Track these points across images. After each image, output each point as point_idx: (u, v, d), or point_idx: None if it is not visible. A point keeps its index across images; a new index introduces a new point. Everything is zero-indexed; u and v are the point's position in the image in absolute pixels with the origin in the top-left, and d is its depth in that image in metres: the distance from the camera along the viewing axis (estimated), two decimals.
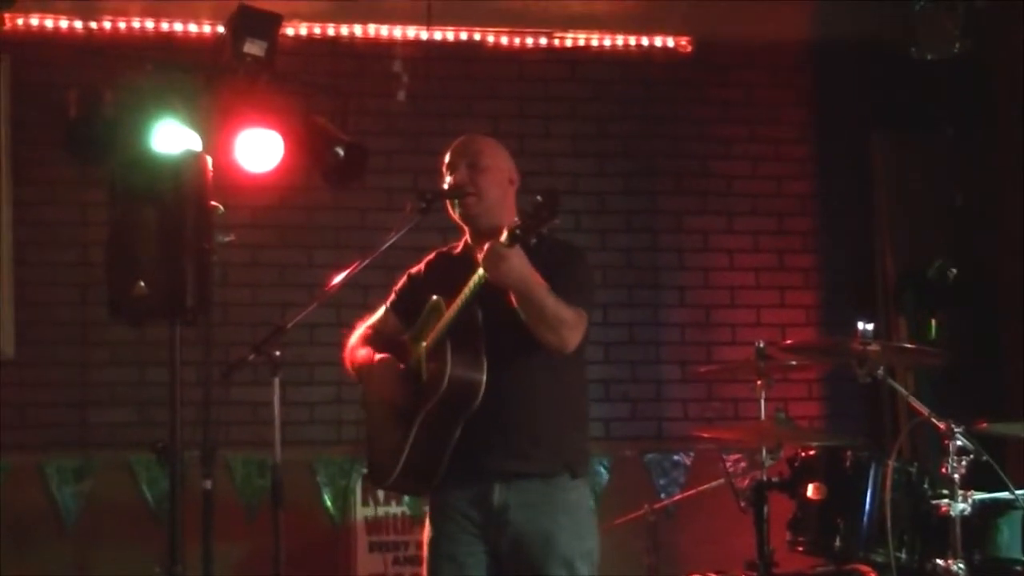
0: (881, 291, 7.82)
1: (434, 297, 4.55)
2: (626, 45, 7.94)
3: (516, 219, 4.21)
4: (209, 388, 6.38)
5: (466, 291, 4.38)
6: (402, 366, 4.63)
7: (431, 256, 4.85)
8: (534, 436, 4.48)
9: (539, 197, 4.14)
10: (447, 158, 4.70)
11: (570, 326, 4.36)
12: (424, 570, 4.65)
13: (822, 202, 8.06)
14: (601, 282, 7.62)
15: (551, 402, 4.52)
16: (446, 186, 4.65)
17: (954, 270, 7.50)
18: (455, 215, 4.65)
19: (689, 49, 7.93)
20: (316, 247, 7.45)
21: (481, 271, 4.29)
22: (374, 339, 4.78)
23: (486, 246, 4.27)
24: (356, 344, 4.81)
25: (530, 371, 4.47)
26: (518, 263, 4.23)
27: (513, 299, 4.30)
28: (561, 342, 4.37)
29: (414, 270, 4.85)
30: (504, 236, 4.20)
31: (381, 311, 4.87)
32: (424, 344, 4.55)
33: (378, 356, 4.66)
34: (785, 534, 5.68)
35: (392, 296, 4.86)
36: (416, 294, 4.72)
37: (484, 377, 4.37)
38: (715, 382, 7.71)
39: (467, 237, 4.70)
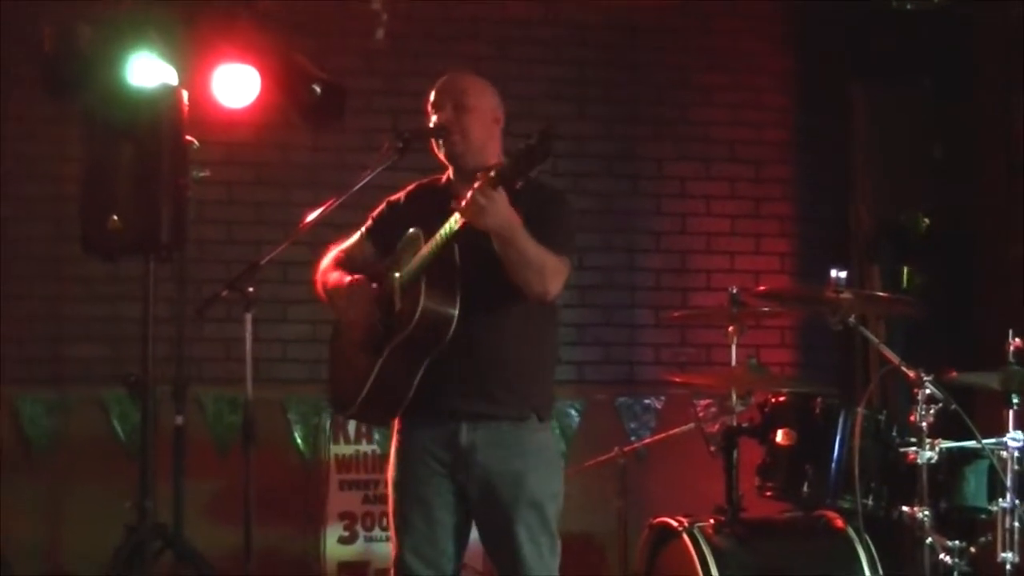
0: (856, 240, 7.83)
1: (412, 230, 4.51)
2: None
3: (503, 160, 4.17)
4: (182, 324, 6.41)
5: (443, 231, 4.33)
6: (375, 286, 4.59)
7: (412, 187, 4.79)
8: (505, 379, 4.47)
9: (531, 139, 4.07)
10: (432, 96, 4.66)
11: (553, 272, 4.34)
12: (390, 510, 4.66)
13: (800, 150, 8.06)
14: (578, 226, 7.62)
15: (523, 346, 4.50)
16: (432, 125, 4.61)
17: (927, 220, 7.53)
18: (440, 154, 4.62)
19: None
20: (292, 185, 7.42)
21: (457, 216, 4.23)
22: (346, 263, 4.73)
23: (469, 193, 4.19)
24: (328, 267, 4.77)
25: (505, 315, 4.44)
26: (502, 208, 4.16)
27: (495, 243, 4.26)
28: (543, 288, 4.35)
29: (394, 198, 4.78)
30: (490, 177, 4.14)
31: (356, 236, 4.80)
32: (398, 275, 4.50)
33: (349, 277, 4.61)
34: (754, 479, 5.72)
35: (369, 222, 4.80)
36: (394, 223, 4.66)
37: (456, 313, 4.33)
38: (688, 327, 7.72)
39: (450, 173, 4.68)
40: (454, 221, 4.28)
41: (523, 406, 4.49)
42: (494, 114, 4.66)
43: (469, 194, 4.19)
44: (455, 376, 4.43)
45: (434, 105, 4.65)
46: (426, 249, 4.41)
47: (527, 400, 4.50)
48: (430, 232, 4.41)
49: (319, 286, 4.80)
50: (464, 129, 4.56)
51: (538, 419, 4.52)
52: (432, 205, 4.53)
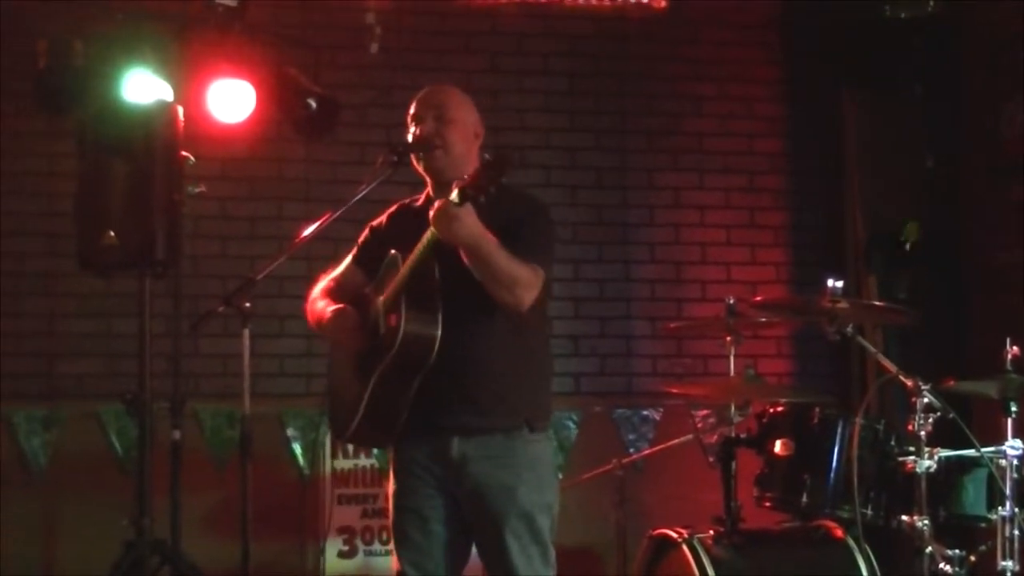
0: (851, 249, 7.83)
1: (392, 252, 4.52)
2: (600, 1, 7.91)
3: (466, 177, 4.16)
4: (178, 340, 6.40)
5: (418, 249, 4.35)
6: (360, 312, 4.61)
7: (392, 208, 4.80)
8: (493, 391, 4.47)
9: (487, 156, 4.13)
10: (412, 108, 4.66)
11: (524, 284, 4.33)
12: (390, 524, 4.66)
13: (793, 160, 8.06)
14: (571, 238, 7.62)
15: (512, 357, 4.50)
16: (411, 137, 4.62)
17: (923, 229, 7.54)
18: (419, 167, 4.62)
19: (663, 5, 7.91)
20: (287, 199, 7.43)
21: (432, 229, 4.25)
22: (336, 292, 4.74)
23: (435, 205, 4.22)
24: (317, 296, 4.79)
25: (490, 326, 4.44)
26: (469, 222, 4.18)
27: (465, 257, 4.27)
28: (516, 300, 4.34)
29: (375, 222, 4.80)
30: (454, 195, 4.14)
31: (344, 264, 4.83)
32: (381, 299, 4.53)
33: (331, 308, 4.64)
34: (752, 490, 5.73)
35: (355, 249, 4.82)
36: (378, 246, 4.68)
37: (439, 333, 4.35)
38: (685, 338, 7.71)
39: (429, 189, 4.67)
40: (429, 234, 4.29)
41: (513, 417, 4.49)
42: (475, 128, 4.65)
43: (436, 206, 4.22)
44: (444, 390, 4.43)
45: (415, 117, 4.64)
46: (404, 268, 4.43)
47: (517, 410, 4.50)
48: (410, 252, 4.42)
49: (308, 315, 4.82)
50: (446, 142, 4.56)
51: (530, 430, 4.51)
52: (410, 225, 4.53)
